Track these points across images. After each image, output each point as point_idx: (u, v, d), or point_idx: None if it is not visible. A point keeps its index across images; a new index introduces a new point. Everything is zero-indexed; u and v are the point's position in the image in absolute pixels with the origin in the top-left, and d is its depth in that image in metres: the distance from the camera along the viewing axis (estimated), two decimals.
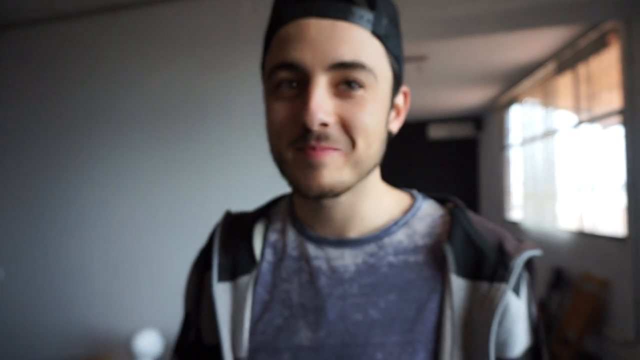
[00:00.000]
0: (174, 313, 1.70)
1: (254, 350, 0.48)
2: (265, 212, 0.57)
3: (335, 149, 0.43)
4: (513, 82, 4.57)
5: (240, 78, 2.17)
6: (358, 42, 0.42)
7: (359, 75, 0.42)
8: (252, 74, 2.10)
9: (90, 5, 2.32)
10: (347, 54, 0.42)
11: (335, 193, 0.44)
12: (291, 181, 0.46)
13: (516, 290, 0.47)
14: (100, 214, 2.35)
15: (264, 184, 1.93)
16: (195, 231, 2.15)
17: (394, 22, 0.47)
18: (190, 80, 2.26)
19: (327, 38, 0.42)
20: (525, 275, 0.49)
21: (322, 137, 0.42)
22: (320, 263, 0.50)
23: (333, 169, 0.43)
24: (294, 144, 0.44)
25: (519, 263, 0.46)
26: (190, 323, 0.55)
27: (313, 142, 0.42)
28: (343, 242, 0.50)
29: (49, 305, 2.37)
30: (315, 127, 0.41)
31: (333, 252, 0.50)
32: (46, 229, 2.41)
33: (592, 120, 3.34)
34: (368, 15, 0.43)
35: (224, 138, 2.21)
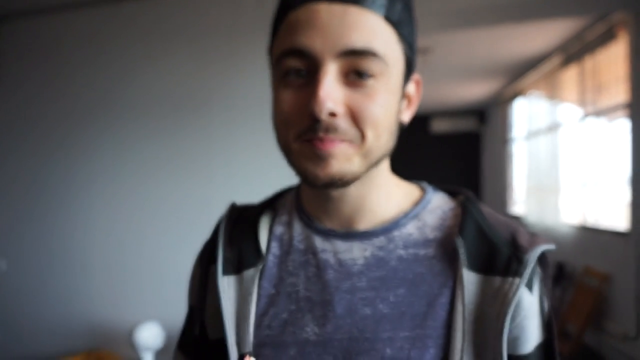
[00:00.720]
0: (176, 306, 1.70)
1: (259, 345, 0.47)
2: (271, 205, 0.56)
3: (343, 141, 0.42)
4: (518, 74, 4.53)
5: (243, 68, 2.15)
6: (370, 28, 0.41)
7: (370, 64, 0.41)
8: (255, 64, 2.08)
9: None
10: (358, 41, 0.40)
11: (344, 182, 0.43)
12: (298, 171, 0.44)
13: (529, 286, 0.46)
14: (102, 205, 2.34)
15: (268, 174, 1.92)
16: (197, 223, 2.15)
17: (408, 7, 0.45)
18: (193, 70, 2.24)
19: (338, 23, 0.40)
20: (538, 270, 0.48)
21: (330, 129, 0.41)
22: (327, 256, 0.48)
23: (342, 159, 0.42)
24: (302, 137, 0.42)
25: (532, 257, 0.45)
26: (194, 317, 0.54)
27: (321, 134, 0.41)
28: (351, 235, 0.49)
29: (51, 297, 2.37)
30: (324, 116, 0.40)
31: (341, 245, 0.49)
32: (47, 220, 2.40)
33: (598, 113, 3.31)
34: (381, 1, 0.41)
35: (227, 129, 2.20)
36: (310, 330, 0.46)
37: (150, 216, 2.28)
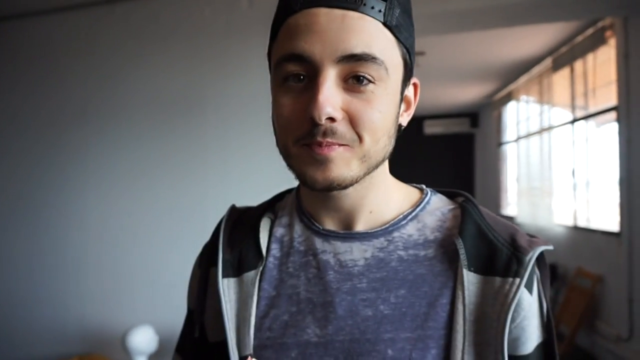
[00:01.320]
0: (170, 309, 1.68)
1: (260, 347, 0.47)
2: (271, 207, 0.56)
3: (341, 145, 0.42)
4: (510, 78, 4.58)
5: (237, 66, 2.14)
6: (369, 33, 0.41)
7: (369, 69, 0.41)
8: (249, 63, 2.08)
9: None
10: (357, 46, 0.41)
11: (342, 186, 0.44)
12: (297, 174, 0.45)
13: (529, 286, 0.46)
14: (95, 209, 2.32)
15: (263, 174, 1.91)
16: (190, 227, 2.14)
17: (407, 11, 0.45)
18: (187, 69, 2.23)
19: (338, 29, 0.40)
20: (536, 271, 0.48)
21: (328, 133, 0.41)
22: (327, 257, 0.49)
23: (341, 163, 0.43)
24: (301, 141, 0.43)
25: (532, 258, 0.45)
26: (193, 320, 0.53)
27: (319, 138, 0.41)
28: (352, 236, 0.49)
29: (43, 301, 2.34)
30: (323, 121, 0.40)
31: (341, 246, 0.49)
32: (39, 223, 2.37)
33: (588, 116, 3.35)
34: (380, 6, 0.42)
35: (221, 128, 2.19)
36: (312, 331, 0.46)
37: (143, 219, 2.26)
